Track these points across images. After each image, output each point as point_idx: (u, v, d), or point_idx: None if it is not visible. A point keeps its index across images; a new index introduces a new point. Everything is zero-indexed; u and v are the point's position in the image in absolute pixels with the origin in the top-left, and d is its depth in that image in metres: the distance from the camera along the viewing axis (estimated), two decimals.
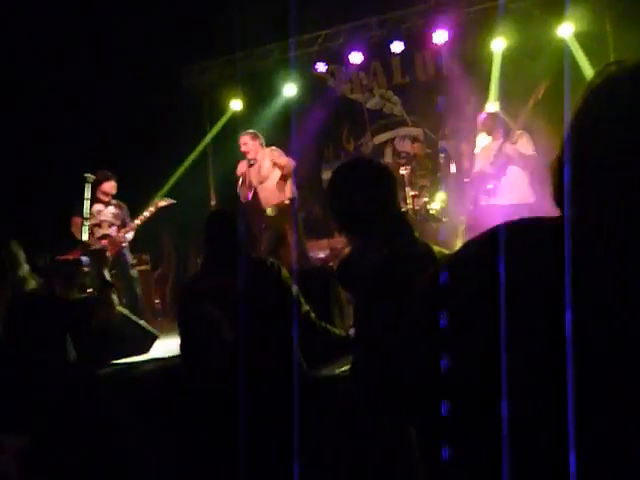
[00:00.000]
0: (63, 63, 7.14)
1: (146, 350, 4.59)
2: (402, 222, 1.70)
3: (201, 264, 3.04)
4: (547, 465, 0.81)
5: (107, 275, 3.19)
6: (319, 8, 8.12)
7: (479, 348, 0.89)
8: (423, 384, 0.96)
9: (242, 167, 6.43)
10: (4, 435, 0.87)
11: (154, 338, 4.67)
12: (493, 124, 6.06)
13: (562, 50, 7.33)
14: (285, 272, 2.74)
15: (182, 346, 2.87)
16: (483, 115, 6.26)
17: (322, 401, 2.30)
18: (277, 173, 6.30)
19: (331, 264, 7.52)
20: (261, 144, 6.39)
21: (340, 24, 8.42)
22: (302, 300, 2.71)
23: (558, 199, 0.97)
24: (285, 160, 6.26)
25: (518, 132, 5.85)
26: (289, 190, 6.34)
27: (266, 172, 6.29)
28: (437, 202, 7.80)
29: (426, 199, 7.81)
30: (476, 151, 6.59)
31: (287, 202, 6.31)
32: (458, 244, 7.10)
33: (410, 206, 7.76)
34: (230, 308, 2.65)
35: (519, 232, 0.94)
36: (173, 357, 4.22)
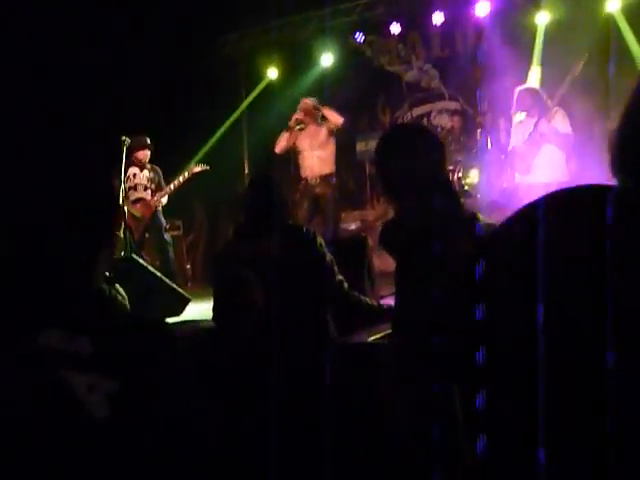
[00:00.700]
0: (103, 30, 7.17)
1: (178, 313, 4.68)
2: (450, 188, 1.71)
3: (238, 228, 3.06)
4: (578, 402, 0.82)
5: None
6: None
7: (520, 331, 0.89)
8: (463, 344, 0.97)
9: (285, 138, 6.52)
10: (96, 377, 0.92)
11: (186, 301, 4.75)
12: (529, 100, 5.94)
13: (607, 25, 7.14)
14: (320, 240, 2.76)
15: (215, 309, 2.91)
16: (520, 90, 6.14)
17: (355, 367, 2.33)
18: (330, 149, 6.50)
19: (363, 234, 7.53)
20: (318, 115, 6.50)
21: None
22: (336, 269, 2.72)
23: (615, 169, 0.95)
24: (336, 116, 6.46)
25: (554, 109, 5.73)
26: (332, 163, 6.52)
27: (318, 143, 6.45)
28: (471, 177, 7.73)
29: (460, 174, 7.74)
30: (512, 127, 6.49)
31: (328, 173, 6.47)
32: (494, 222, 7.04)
33: None
34: (265, 273, 2.68)
35: (560, 206, 0.92)
36: (206, 320, 4.30)
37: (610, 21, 7.17)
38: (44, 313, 1.01)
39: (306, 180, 6.50)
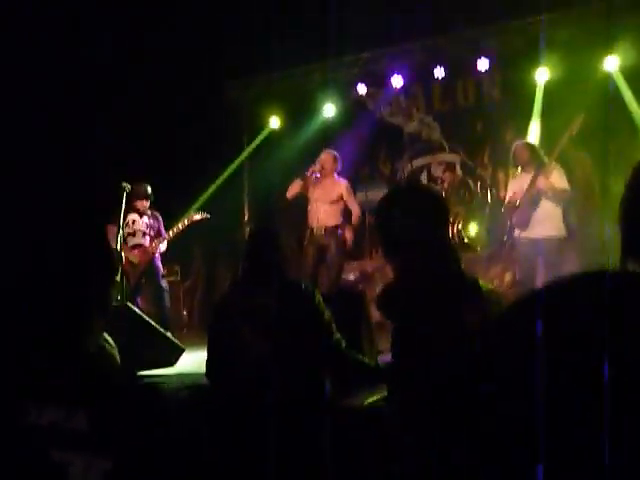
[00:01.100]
0: (107, 73, 7.27)
1: (172, 363, 4.60)
2: (452, 253, 1.66)
3: (236, 280, 3.02)
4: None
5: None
6: (362, 30, 8.15)
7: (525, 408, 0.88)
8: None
9: (298, 185, 6.62)
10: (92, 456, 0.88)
11: (180, 351, 4.68)
12: (526, 155, 5.98)
13: (606, 83, 7.25)
14: (319, 296, 2.71)
15: (209, 363, 2.85)
16: (517, 145, 6.18)
17: (351, 432, 2.25)
18: (340, 206, 6.61)
19: (361, 287, 7.49)
20: (336, 168, 6.63)
21: (383, 47, 8.43)
22: (334, 327, 2.67)
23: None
24: (357, 212, 6.66)
25: (552, 165, 5.77)
26: (339, 216, 6.62)
27: (331, 199, 6.53)
28: (471, 230, 7.73)
29: (460, 227, 7.74)
30: (510, 182, 6.52)
31: (334, 225, 6.56)
32: (491, 275, 7.02)
33: None
34: (262, 329, 2.63)
35: (565, 294, 0.92)
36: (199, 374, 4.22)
37: (608, 79, 7.27)
38: (38, 385, 0.97)
39: (312, 230, 6.58)
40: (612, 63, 7.22)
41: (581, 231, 6.70)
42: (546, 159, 5.89)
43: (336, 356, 2.61)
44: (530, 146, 6.19)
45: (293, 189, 6.66)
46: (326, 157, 6.59)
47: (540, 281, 6.36)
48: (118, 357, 2.60)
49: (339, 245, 6.57)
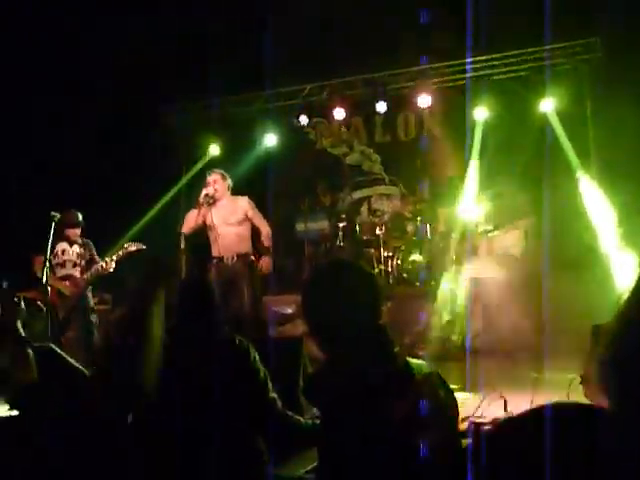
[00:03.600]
0: (37, 99, 7.00)
1: None
2: (382, 337, 1.55)
3: (167, 335, 2.86)
4: None
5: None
6: (305, 62, 8.14)
7: None
8: None
9: (194, 216, 5.96)
10: None
11: None
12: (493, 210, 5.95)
13: (542, 124, 7.44)
14: (254, 353, 2.57)
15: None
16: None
17: None
18: (247, 227, 6.04)
19: (301, 328, 7.36)
20: (228, 186, 6.09)
21: (325, 79, 8.44)
22: (270, 386, 2.54)
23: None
24: (267, 230, 6.09)
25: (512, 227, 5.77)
26: (249, 242, 6.05)
27: (236, 219, 5.98)
28: (410, 264, 7.73)
29: (399, 262, 7.74)
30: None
31: (245, 252, 5.97)
32: (430, 310, 7.01)
33: (383, 267, 7.68)
34: (192, 390, 2.48)
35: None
36: None
37: (544, 120, 7.46)
38: None
39: (221, 259, 5.93)
40: (547, 105, 7.41)
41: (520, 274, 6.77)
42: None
43: (272, 416, 2.48)
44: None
45: (190, 221, 5.99)
46: (215, 177, 6.01)
47: (475, 319, 6.40)
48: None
49: (253, 275, 5.94)
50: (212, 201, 5.91)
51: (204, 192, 5.93)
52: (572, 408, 0.99)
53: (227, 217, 5.95)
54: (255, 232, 6.14)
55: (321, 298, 1.59)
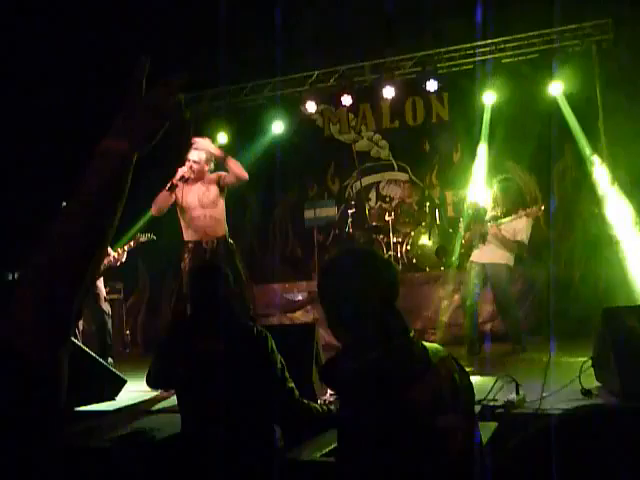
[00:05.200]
0: (33, 90, 7.01)
1: (113, 396, 4.39)
2: (397, 322, 1.56)
3: (181, 323, 2.87)
4: None
5: None
6: (313, 48, 8.11)
7: None
8: None
9: (165, 197, 5.36)
10: None
11: (122, 384, 4.47)
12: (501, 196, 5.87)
13: (551, 108, 7.38)
14: (272, 343, 2.59)
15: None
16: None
17: None
18: (222, 207, 5.50)
19: (309, 308, 7.38)
20: (210, 169, 5.50)
21: (332, 66, 8.40)
22: (287, 375, 2.55)
23: None
24: (242, 171, 5.44)
25: (522, 213, 5.69)
26: (224, 224, 5.53)
27: (211, 200, 5.40)
28: (419, 251, 7.73)
29: (409, 247, 7.74)
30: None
31: (222, 235, 5.43)
32: (440, 295, 7.02)
33: (393, 253, 7.68)
34: (210, 376, 2.50)
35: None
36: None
37: (553, 104, 7.41)
38: None
39: (198, 243, 5.42)
40: (556, 88, 7.35)
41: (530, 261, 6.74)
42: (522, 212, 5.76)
43: (288, 405, 2.50)
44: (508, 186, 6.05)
45: (161, 202, 5.42)
46: (199, 156, 5.39)
47: (485, 304, 6.40)
48: None
49: (235, 258, 5.39)
50: (189, 180, 5.35)
51: (180, 173, 5.32)
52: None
53: (202, 198, 5.42)
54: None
55: (338, 285, 1.60)
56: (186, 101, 8.96)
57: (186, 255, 5.42)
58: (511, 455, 0.91)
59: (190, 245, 5.45)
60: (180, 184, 5.28)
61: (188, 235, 5.49)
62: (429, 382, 1.42)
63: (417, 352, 1.50)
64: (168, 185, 5.31)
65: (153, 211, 5.53)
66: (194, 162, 5.38)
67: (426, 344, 1.57)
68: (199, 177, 5.40)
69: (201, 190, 5.43)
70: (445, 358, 1.52)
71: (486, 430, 2.58)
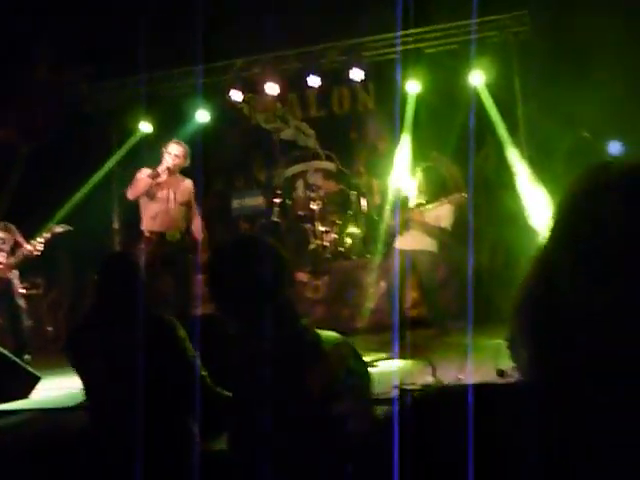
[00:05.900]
0: None
1: (26, 394, 4.23)
2: (286, 309, 1.55)
3: (89, 314, 2.79)
4: None
5: None
6: (236, 36, 8.00)
7: None
8: None
9: (146, 184, 5.63)
10: None
11: (35, 380, 4.31)
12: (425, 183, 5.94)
13: (474, 97, 7.52)
14: (182, 332, 2.54)
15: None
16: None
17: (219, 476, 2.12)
18: (187, 209, 5.87)
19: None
20: (182, 166, 5.87)
21: (257, 54, 8.32)
22: (198, 363, 2.51)
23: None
24: (199, 222, 5.95)
25: (445, 200, 5.79)
26: (185, 224, 5.89)
27: (180, 199, 5.76)
28: (347, 239, 7.78)
29: (336, 236, 7.78)
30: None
31: (187, 231, 5.83)
32: (366, 283, 7.09)
33: (320, 242, 7.70)
34: (118, 369, 2.43)
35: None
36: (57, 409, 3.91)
37: (475, 94, 7.55)
38: None
39: (162, 235, 5.69)
40: (477, 78, 7.50)
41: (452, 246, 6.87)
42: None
43: (201, 397, 2.46)
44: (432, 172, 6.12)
45: (139, 187, 5.65)
46: (181, 150, 5.78)
47: (408, 292, 6.49)
48: None
49: (191, 255, 5.77)
50: (168, 172, 5.67)
51: (165, 164, 5.65)
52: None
53: (179, 195, 5.77)
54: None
55: (224, 271, 1.58)
56: (106, 88, 8.72)
57: (144, 246, 5.64)
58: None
59: (153, 236, 5.68)
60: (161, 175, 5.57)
61: (154, 225, 5.69)
62: (319, 369, 1.42)
63: (308, 340, 1.50)
64: (153, 173, 5.59)
65: (130, 195, 5.73)
66: (175, 156, 5.70)
67: (320, 332, 1.57)
68: (176, 171, 5.72)
69: (174, 186, 5.73)
70: (338, 345, 1.52)
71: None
